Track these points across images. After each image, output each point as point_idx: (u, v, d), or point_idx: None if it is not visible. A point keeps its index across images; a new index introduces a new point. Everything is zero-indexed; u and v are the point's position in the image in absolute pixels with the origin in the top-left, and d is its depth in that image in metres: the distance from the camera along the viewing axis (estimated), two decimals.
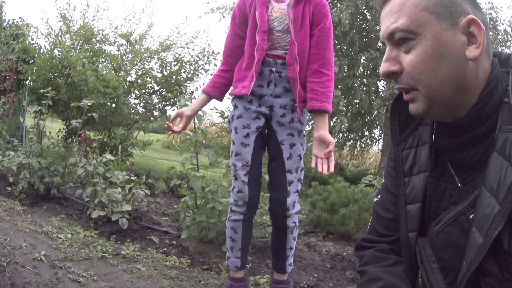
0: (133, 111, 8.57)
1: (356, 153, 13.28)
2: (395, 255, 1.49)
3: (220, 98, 3.10)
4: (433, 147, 1.38)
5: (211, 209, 3.86)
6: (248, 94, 2.82)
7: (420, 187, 1.40)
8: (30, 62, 9.34)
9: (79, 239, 3.87)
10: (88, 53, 8.26)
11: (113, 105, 8.13)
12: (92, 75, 7.69)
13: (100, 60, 8.54)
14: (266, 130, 2.92)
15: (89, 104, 4.86)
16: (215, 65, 9.04)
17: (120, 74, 8.62)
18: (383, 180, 1.60)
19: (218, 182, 4.16)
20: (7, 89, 5.75)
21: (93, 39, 8.84)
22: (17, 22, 10.49)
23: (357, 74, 10.44)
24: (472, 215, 1.22)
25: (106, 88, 7.76)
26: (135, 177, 4.73)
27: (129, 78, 8.67)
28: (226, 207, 3.83)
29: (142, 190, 4.38)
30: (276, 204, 2.88)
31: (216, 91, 3.04)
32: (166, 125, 2.93)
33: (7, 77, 5.86)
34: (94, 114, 4.95)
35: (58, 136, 8.51)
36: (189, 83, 9.03)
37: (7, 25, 10.12)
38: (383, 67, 1.26)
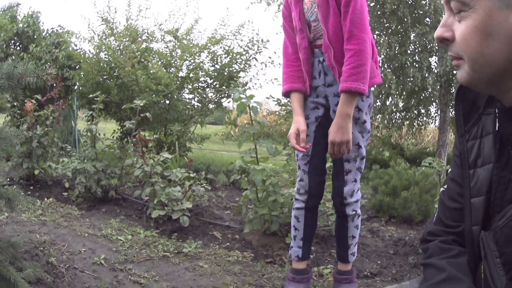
0: (188, 107, 8.61)
1: (414, 131, 13.10)
2: (459, 246, 1.47)
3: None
4: (497, 136, 1.34)
5: (273, 202, 3.84)
6: (309, 93, 2.84)
7: (484, 179, 1.38)
8: (76, 68, 9.50)
9: (140, 239, 3.89)
10: (136, 53, 8.32)
11: (167, 102, 8.18)
12: (142, 74, 7.75)
13: (149, 58, 8.58)
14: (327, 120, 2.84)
15: (141, 104, 4.90)
16: (269, 57, 9.07)
17: (171, 71, 8.65)
18: (450, 169, 1.56)
19: (279, 173, 4.14)
20: (55, 97, 5.87)
21: (139, 39, 8.89)
22: (57, 30, 10.67)
23: (409, 51, 10.25)
24: None
25: (158, 86, 7.79)
26: (194, 173, 4.75)
27: (180, 74, 8.68)
28: (288, 199, 3.81)
29: (202, 186, 4.39)
30: (335, 192, 2.88)
31: (303, 84, 2.90)
32: (295, 147, 2.78)
33: (54, 85, 5.96)
34: (147, 114, 4.97)
35: (113, 137, 8.65)
36: (242, 75, 9.05)
37: (47, 34, 10.28)
38: (437, 31, 1.24)
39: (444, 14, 1.24)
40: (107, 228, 4.13)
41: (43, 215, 4.34)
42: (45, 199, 4.96)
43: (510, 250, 1.27)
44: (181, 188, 4.35)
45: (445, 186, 1.55)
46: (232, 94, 3.67)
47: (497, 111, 1.33)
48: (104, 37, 9.19)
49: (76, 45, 9.91)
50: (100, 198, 5.06)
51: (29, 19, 10.10)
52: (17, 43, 10.19)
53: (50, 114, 5.79)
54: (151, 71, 7.97)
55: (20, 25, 10.06)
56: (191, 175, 4.53)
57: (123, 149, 5.02)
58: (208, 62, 9.04)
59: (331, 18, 2.66)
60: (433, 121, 12.85)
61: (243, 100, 3.60)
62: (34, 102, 5.63)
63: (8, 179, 5.55)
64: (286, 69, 2.94)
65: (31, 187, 5.46)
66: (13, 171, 5.61)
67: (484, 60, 1.16)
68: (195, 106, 8.74)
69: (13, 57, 9.68)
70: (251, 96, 3.68)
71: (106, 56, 8.38)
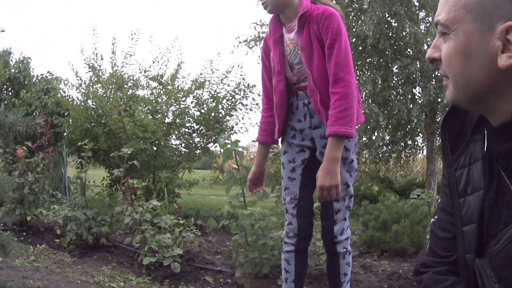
0: (175, 153, 8.69)
1: (402, 163, 13.20)
2: (453, 276, 1.46)
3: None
4: (487, 157, 1.34)
5: (262, 245, 3.89)
6: (278, 139, 2.96)
7: (475, 207, 1.37)
8: (65, 114, 9.60)
9: (132, 286, 3.93)
10: (122, 100, 8.42)
11: (154, 148, 8.27)
12: (129, 122, 7.85)
13: (135, 105, 8.67)
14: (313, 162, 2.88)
15: (128, 152, 4.95)
16: (253, 98, 9.17)
17: (157, 117, 8.76)
18: (439, 200, 1.57)
19: (267, 216, 4.18)
20: (45, 144, 5.97)
21: (125, 85, 9.00)
22: (46, 76, 10.87)
23: (392, 84, 10.41)
24: None
25: (145, 133, 7.89)
26: (184, 219, 4.79)
27: (166, 120, 8.80)
28: (277, 242, 3.86)
29: (192, 232, 4.43)
30: (325, 231, 2.89)
31: (270, 137, 3.01)
32: (249, 192, 2.99)
33: (43, 132, 6.05)
34: (135, 162, 5.03)
35: (102, 184, 8.68)
36: (228, 119, 9.15)
37: (37, 80, 10.45)
38: (428, 52, 1.31)
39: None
40: (99, 275, 4.16)
41: (36, 261, 4.38)
42: (38, 245, 5.01)
43: (508, 274, 1.26)
44: (171, 235, 4.40)
45: (436, 217, 1.56)
46: (218, 140, 3.73)
47: (485, 131, 1.33)
48: (91, 84, 9.34)
49: (64, 92, 10.06)
50: (92, 245, 5.09)
51: (20, 65, 10.33)
52: (9, 88, 10.41)
53: (41, 161, 5.88)
54: (138, 118, 8.07)
55: (12, 70, 10.28)
56: (181, 221, 4.56)
57: (113, 197, 5.08)
58: (194, 107, 9.16)
59: (315, 61, 2.68)
60: (421, 151, 12.96)
61: (229, 146, 3.66)
62: (25, 149, 5.74)
63: (1, 224, 5.59)
64: (260, 121, 3.08)
65: (24, 233, 5.51)
66: (6, 216, 5.69)
67: (465, 80, 1.20)
68: (182, 152, 8.82)
69: (6, 102, 9.84)
70: (237, 142, 3.77)
71: (94, 104, 8.50)
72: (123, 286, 3.91)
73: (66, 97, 9.62)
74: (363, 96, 10.05)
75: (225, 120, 9.06)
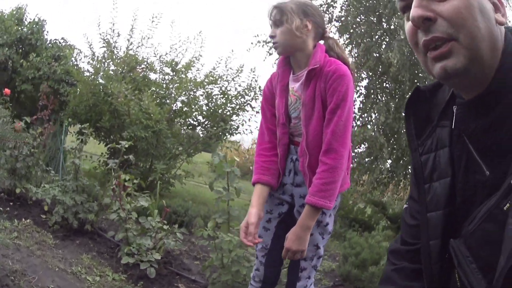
0: (175, 146, 8.78)
1: (399, 188, 13.30)
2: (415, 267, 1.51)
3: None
4: (453, 139, 1.37)
5: (236, 271, 4.00)
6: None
7: (441, 194, 1.40)
8: (73, 84, 9.75)
9: (107, 282, 4.11)
10: (132, 84, 8.60)
11: (156, 138, 8.43)
12: (134, 106, 8.03)
13: (145, 88, 8.82)
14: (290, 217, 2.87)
15: (126, 146, 5.12)
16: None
17: (166, 102, 9.01)
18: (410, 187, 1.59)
19: (245, 247, 4.31)
20: (45, 119, 6.16)
21: (137, 68, 9.16)
22: (60, 42, 10.99)
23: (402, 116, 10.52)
24: (507, 205, 1.18)
25: (148, 121, 8.06)
26: (170, 222, 4.93)
27: (174, 108, 8.99)
28: (251, 270, 3.98)
29: (174, 240, 4.60)
30: (288, 285, 2.95)
31: (275, 179, 2.86)
32: (248, 243, 2.74)
33: (46, 105, 6.26)
34: (131, 157, 5.19)
35: (100, 161, 8.91)
36: (234, 118, 9.37)
37: (49, 44, 10.54)
38: (417, 11, 1.19)
39: (414, 1, 1.22)
40: (77, 264, 4.34)
41: (18, 238, 4.56)
42: (23, 219, 5.19)
43: (485, 253, 1.27)
44: (153, 238, 4.54)
45: (406, 204, 1.60)
46: (213, 157, 3.84)
47: (455, 108, 1.34)
48: (103, 60, 9.49)
49: (76, 61, 10.14)
50: (76, 230, 5.27)
51: (34, 26, 10.42)
52: (19, 49, 10.43)
53: (38, 136, 6.03)
54: (143, 104, 8.21)
55: (25, 29, 10.36)
56: (164, 226, 4.71)
57: (104, 187, 5.23)
58: (203, 100, 9.36)
59: (313, 121, 2.64)
60: None
61: (224, 167, 3.78)
62: (23, 124, 5.96)
63: None
64: (258, 159, 2.91)
65: (11, 203, 5.71)
66: None
67: (481, 35, 1.16)
68: (183, 144, 8.94)
69: (13, 62, 9.95)
70: (232, 162, 3.87)
71: (103, 81, 8.69)
72: (98, 281, 4.07)
73: (77, 68, 9.75)
74: (373, 121, 10.17)
75: (231, 119, 9.26)
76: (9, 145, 5.81)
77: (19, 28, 10.37)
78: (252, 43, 11.22)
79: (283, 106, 2.78)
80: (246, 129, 9.57)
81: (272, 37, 2.75)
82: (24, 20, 10.79)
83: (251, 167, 15.36)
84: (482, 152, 1.27)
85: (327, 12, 10.86)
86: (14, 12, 10.89)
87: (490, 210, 1.23)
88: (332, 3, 10.72)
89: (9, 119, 6.52)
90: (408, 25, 1.27)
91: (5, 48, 10.02)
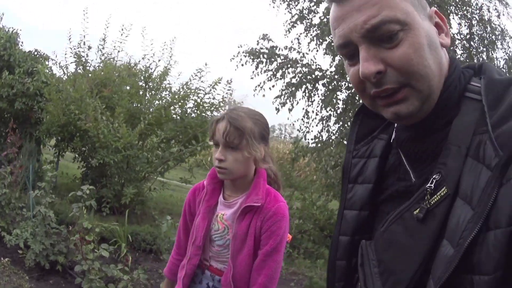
0: (146, 166, 8.98)
1: None
2: None
3: None
4: (395, 152, 1.43)
5: None
6: None
7: (360, 196, 1.47)
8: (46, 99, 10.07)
9: None
10: (103, 103, 8.98)
11: (126, 162, 8.83)
12: (104, 129, 8.38)
13: (116, 107, 9.20)
14: None
15: (89, 188, 5.55)
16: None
17: (138, 117, 9.31)
18: None
19: None
20: (13, 156, 6.61)
21: (107, 89, 9.47)
22: (34, 54, 11.19)
23: None
24: (417, 210, 1.23)
25: (117, 143, 8.40)
26: (138, 251, 5.37)
27: (142, 124, 9.09)
28: None
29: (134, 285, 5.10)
30: None
31: (175, 277, 2.85)
32: None
33: (13, 142, 6.74)
34: (92, 203, 5.59)
35: (75, 178, 9.44)
36: (206, 136, 9.63)
37: (22, 59, 10.70)
38: (367, 67, 1.20)
39: (361, 52, 1.22)
40: None
41: None
42: (1, 258, 5.64)
43: (388, 256, 1.31)
44: (115, 286, 5.03)
45: None
46: (161, 226, 4.27)
47: (395, 127, 1.41)
48: (74, 76, 9.95)
49: (47, 78, 10.36)
50: (48, 270, 5.78)
51: (6, 43, 10.56)
52: None
53: (8, 175, 6.48)
54: (113, 126, 8.54)
55: None
56: (125, 277, 5.17)
57: (70, 231, 5.71)
58: (176, 110, 9.82)
59: (243, 256, 2.53)
60: None
61: (172, 235, 4.21)
62: None
63: None
64: (172, 255, 2.94)
65: None
66: None
67: (431, 71, 1.20)
68: (155, 162, 9.21)
69: None
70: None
71: (74, 102, 8.98)
72: None
73: (48, 84, 10.05)
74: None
75: (202, 138, 9.61)
76: None
77: None
78: (234, 55, 11.44)
79: (204, 229, 2.61)
80: None
81: (220, 160, 2.49)
82: None
83: None
84: (411, 159, 1.34)
85: (307, 18, 11.21)
86: None
87: (401, 213, 1.30)
88: (315, 7, 11.05)
89: None
90: (352, 71, 1.28)
91: None
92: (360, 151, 1.52)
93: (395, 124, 1.42)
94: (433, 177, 1.22)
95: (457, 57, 8.69)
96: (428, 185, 1.22)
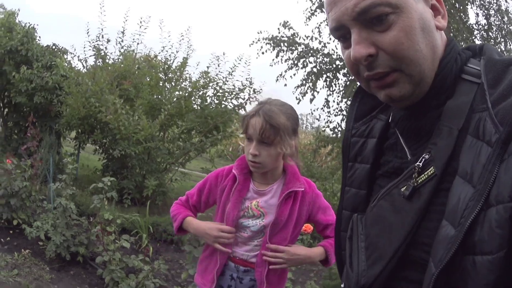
0: (167, 157, 9.17)
1: None
2: None
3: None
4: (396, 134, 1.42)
5: None
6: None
7: (359, 175, 1.50)
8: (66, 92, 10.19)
9: None
10: (123, 95, 9.14)
11: (147, 153, 8.96)
12: (125, 121, 8.49)
13: (136, 99, 9.33)
14: None
15: (110, 180, 5.61)
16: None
17: (158, 108, 9.41)
18: None
19: None
20: (33, 149, 6.72)
21: (127, 81, 9.55)
22: (52, 48, 11.35)
23: None
24: (404, 188, 1.25)
25: (138, 134, 8.51)
26: (159, 242, 5.44)
27: (163, 115, 9.20)
28: None
29: (155, 280, 5.16)
30: None
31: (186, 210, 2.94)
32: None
33: (34, 136, 6.85)
34: (113, 194, 5.65)
35: (96, 170, 9.69)
36: (231, 118, 9.77)
37: (40, 53, 10.83)
38: (358, 50, 1.21)
39: (352, 35, 1.23)
40: None
41: (19, 275, 5.19)
42: (22, 250, 5.83)
43: (374, 231, 1.34)
44: (136, 278, 5.09)
45: None
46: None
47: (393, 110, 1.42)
48: (93, 70, 9.99)
49: (66, 72, 10.54)
50: (69, 261, 5.86)
51: (23, 37, 10.69)
52: (10, 59, 10.79)
53: (28, 168, 6.59)
54: (133, 119, 8.64)
55: (14, 42, 10.62)
56: (145, 267, 5.23)
57: (91, 223, 5.79)
58: (196, 100, 9.87)
59: (278, 237, 2.68)
60: None
61: None
62: (14, 161, 6.56)
63: None
64: (176, 206, 2.98)
65: (11, 231, 6.40)
66: None
67: (423, 56, 1.21)
68: (176, 153, 9.36)
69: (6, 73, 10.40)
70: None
71: (94, 95, 9.07)
72: None
73: (68, 78, 10.23)
74: None
75: (226, 127, 9.69)
76: (2, 182, 6.38)
77: (9, 40, 10.64)
78: (253, 41, 11.45)
79: (234, 218, 2.69)
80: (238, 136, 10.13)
81: (254, 155, 2.59)
82: (14, 28, 10.97)
83: None
84: (407, 138, 1.36)
85: (314, 15, 11.27)
86: (4, 21, 11.15)
87: (390, 189, 1.32)
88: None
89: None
90: (347, 54, 1.29)
91: None
92: (359, 130, 1.54)
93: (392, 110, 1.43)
94: (423, 156, 1.24)
95: None
96: (417, 164, 1.24)
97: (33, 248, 6.02)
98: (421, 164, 1.23)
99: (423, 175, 1.22)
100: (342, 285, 1.50)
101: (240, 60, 9.99)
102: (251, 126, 2.56)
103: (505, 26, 10.74)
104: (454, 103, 1.24)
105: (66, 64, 10.91)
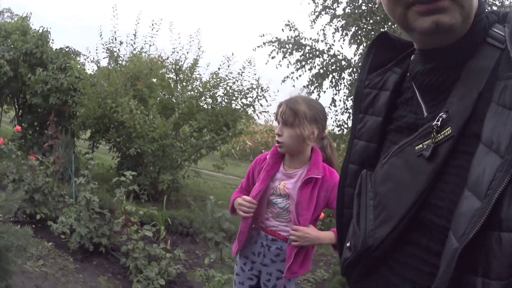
0: (181, 153, 9.59)
1: None
2: None
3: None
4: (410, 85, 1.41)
5: None
6: (234, 256, 3.36)
7: (370, 128, 1.49)
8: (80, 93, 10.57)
9: None
10: (136, 95, 9.50)
11: (162, 150, 9.28)
12: (140, 120, 8.84)
13: (150, 99, 9.67)
14: None
15: (131, 174, 5.97)
16: (266, 100, 10.24)
17: (171, 108, 9.76)
18: None
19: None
20: (54, 146, 7.06)
21: (140, 81, 9.93)
22: (65, 50, 11.77)
23: None
24: (419, 146, 1.24)
25: (153, 133, 8.90)
26: (175, 234, 5.78)
27: (177, 114, 9.48)
28: None
29: (177, 265, 5.50)
30: None
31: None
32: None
33: (54, 135, 7.21)
34: (135, 187, 6.00)
35: (110, 168, 10.07)
36: (240, 117, 10.14)
37: (55, 55, 11.29)
38: None
39: None
40: (95, 287, 5.33)
41: (44, 265, 5.49)
42: (46, 242, 6.13)
43: (384, 189, 1.33)
44: (157, 265, 5.45)
45: None
46: (207, 206, 4.61)
47: (415, 53, 1.39)
48: (107, 71, 10.35)
49: (80, 73, 10.97)
50: (92, 251, 6.19)
51: (38, 40, 11.10)
52: (25, 62, 11.23)
53: (51, 165, 6.95)
54: (148, 119, 9.01)
55: (29, 45, 11.04)
56: (168, 255, 5.60)
57: (113, 214, 6.14)
58: (207, 100, 10.25)
59: (304, 219, 2.96)
60: None
61: (216, 212, 4.58)
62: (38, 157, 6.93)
63: (14, 217, 6.71)
64: (234, 194, 3.35)
65: (33, 226, 6.60)
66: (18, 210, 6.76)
67: None
68: (188, 150, 9.72)
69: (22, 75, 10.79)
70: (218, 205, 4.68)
71: (109, 96, 9.45)
72: None
73: (82, 79, 10.64)
74: None
75: (235, 124, 10.01)
76: (26, 179, 6.74)
77: (24, 43, 11.08)
78: (258, 46, 11.75)
79: (259, 192, 3.05)
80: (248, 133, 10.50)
81: (278, 135, 3.01)
82: (28, 32, 11.53)
83: (263, 150, 16.03)
84: (424, 93, 1.33)
85: (331, 8, 11.49)
86: (19, 25, 11.61)
87: (404, 146, 1.31)
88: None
89: (20, 156, 7.26)
90: None
91: (12, 64, 10.87)
92: (373, 82, 1.53)
93: (411, 57, 1.42)
94: (440, 114, 1.23)
95: None
96: (435, 123, 1.23)
97: (56, 241, 6.31)
98: (439, 123, 1.22)
99: (439, 134, 1.21)
100: (348, 244, 1.47)
101: (249, 62, 10.33)
102: (279, 112, 2.99)
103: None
104: (475, 65, 1.23)
105: (80, 66, 11.31)
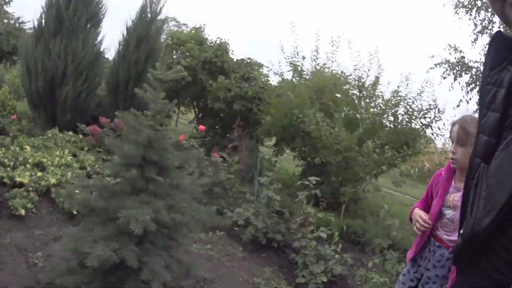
0: (365, 170, 9.80)
1: None
2: None
3: None
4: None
5: None
6: (409, 261, 3.68)
7: (490, 123, 1.54)
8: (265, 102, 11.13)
9: None
10: (322, 109, 9.82)
11: (346, 162, 9.55)
12: (326, 132, 9.23)
13: (335, 113, 9.90)
14: None
15: (315, 179, 6.39)
16: (443, 124, 10.23)
17: (355, 123, 10.01)
18: None
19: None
20: (240, 148, 7.52)
21: (326, 93, 10.27)
22: (246, 61, 12.45)
23: None
24: None
25: (338, 145, 9.23)
26: (337, 255, 5.97)
27: (361, 129, 9.79)
28: None
29: (342, 264, 5.70)
30: None
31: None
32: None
33: (240, 136, 7.68)
34: (317, 192, 6.39)
35: (293, 174, 10.68)
36: (419, 136, 10.21)
37: (236, 66, 11.98)
38: None
39: None
40: (259, 276, 5.52)
41: (211, 250, 5.86)
42: (217, 231, 6.53)
43: (493, 182, 1.39)
44: (325, 264, 5.67)
45: None
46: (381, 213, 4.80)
47: None
48: (292, 85, 10.79)
49: (264, 85, 11.56)
50: (264, 245, 6.47)
51: (217, 51, 11.87)
52: (205, 69, 11.93)
53: (236, 163, 7.44)
54: (333, 131, 9.36)
55: (207, 54, 11.81)
56: (336, 256, 5.79)
57: (292, 214, 6.57)
58: (390, 116, 10.43)
59: None
60: None
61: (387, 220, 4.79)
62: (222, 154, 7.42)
63: None
64: (415, 204, 3.80)
65: None
66: None
67: None
68: (370, 165, 9.79)
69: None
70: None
71: (294, 107, 9.86)
72: None
73: (266, 89, 11.28)
74: None
75: (415, 141, 10.11)
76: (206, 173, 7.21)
77: (201, 51, 11.86)
78: (430, 67, 11.68)
79: (438, 207, 3.45)
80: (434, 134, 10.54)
81: (453, 153, 3.34)
82: (205, 42, 12.38)
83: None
84: None
85: (488, 29, 11.48)
86: (193, 34, 12.59)
87: (510, 141, 1.36)
88: (493, 17, 11.37)
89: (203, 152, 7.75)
90: None
91: (190, 70, 11.42)
92: (493, 79, 1.58)
93: None
94: None
95: None
96: None
97: (228, 232, 6.62)
98: None
99: None
100: (461, 231, 1.64)
101: (427, 83, 10.35)
102: (453, 131, 3.35)
103: None
104: None
105: (263, 78, 11.88)
